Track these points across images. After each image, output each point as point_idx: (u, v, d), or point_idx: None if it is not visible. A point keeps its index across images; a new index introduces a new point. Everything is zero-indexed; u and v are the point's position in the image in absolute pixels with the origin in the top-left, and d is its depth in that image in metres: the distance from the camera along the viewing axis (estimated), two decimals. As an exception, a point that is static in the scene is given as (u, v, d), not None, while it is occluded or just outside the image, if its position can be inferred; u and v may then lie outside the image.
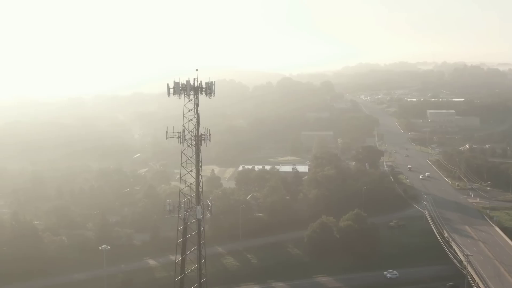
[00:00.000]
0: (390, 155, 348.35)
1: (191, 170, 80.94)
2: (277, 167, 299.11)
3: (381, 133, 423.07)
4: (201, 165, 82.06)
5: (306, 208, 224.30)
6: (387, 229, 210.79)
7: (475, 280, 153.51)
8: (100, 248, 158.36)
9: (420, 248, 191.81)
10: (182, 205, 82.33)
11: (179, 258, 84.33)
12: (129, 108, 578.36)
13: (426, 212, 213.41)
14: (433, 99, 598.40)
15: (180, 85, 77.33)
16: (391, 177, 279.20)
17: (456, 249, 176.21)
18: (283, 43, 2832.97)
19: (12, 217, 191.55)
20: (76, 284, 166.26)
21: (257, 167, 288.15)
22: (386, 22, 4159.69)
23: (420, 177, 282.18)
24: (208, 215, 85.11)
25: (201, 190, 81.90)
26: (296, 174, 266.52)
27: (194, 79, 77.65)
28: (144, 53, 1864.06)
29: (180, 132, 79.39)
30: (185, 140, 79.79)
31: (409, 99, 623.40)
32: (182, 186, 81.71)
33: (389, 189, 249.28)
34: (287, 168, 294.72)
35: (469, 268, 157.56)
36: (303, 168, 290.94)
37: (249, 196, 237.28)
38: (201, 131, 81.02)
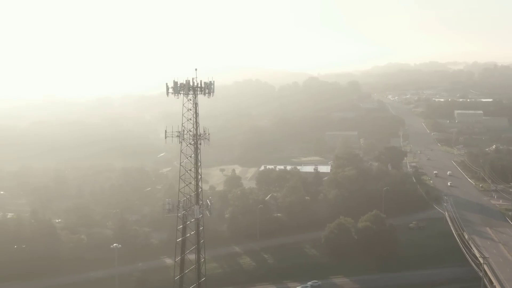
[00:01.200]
0: (415, 156, 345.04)
1: (189, 170, 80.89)
2: (299, 167, 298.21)
3: (406, 134, 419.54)
4: (200, 165, 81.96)
5: (326, 208, 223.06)
6: (407, 231, 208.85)
7: (492, 283, 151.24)
8: (112, 246, 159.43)
9: (439, 250, 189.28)
10: (181, 205, 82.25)
11: (178, 257, 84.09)
12: (156, 108, 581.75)
13: (446, 214, 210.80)
14: (461, 100, 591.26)
15: (179, 85, 77.43)
16: (413, 178, 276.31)
17: (475, 250, 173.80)
18: (313, 43, 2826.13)
19: (31, 215, 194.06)
20: (91, 282, 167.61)
21: (278, 167, 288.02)
22: (419, 20, 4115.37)
23: (448, 184, 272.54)
24: (208, 215, 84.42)
25: (200, 189, 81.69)
26: (317, 175, 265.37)
27: (193, 78, 77.82)
28: (173, 53, 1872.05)
29: (179, 132, 79.46)
30: (183, 139, 79.72)
31: (436, 99, 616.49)
32: (182, 185, 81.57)
33: (410, 190, 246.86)
34: (309, 169, 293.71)
35: (486, 270, 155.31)
36: (325, 169, 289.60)
37: (269, 196, 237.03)
38: (202, 131, 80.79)
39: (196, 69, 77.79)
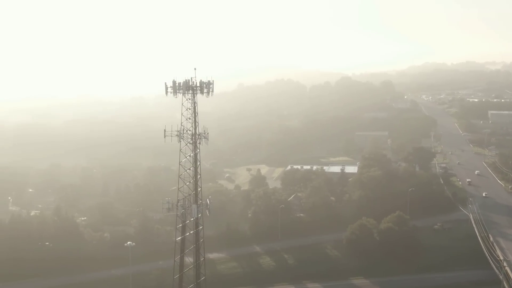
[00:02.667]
0: (445, 157, 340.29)
1: (189, 168, 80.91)
2: (326, 167, 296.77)
3: (438, 134, 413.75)
4: (199, 164, 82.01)
5: (349, 209, 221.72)
6: (431, 232, 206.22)
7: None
8: (125, 244, 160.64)
9: (463, 252, 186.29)
10: (179, 204, 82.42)
11: (178, 256, 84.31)
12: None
13: (471, 216, 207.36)
14: (495, 100, 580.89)
15: (177, 84, 77.65)
16: (441, 179, 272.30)
17: (498, 253, 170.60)
18: (350, 43, 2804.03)
19: (54, 213, 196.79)
20: (111, 280, 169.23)
21: (305, 167, 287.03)
22: (458, 19, 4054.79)
23: (483, 194, 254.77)
24: (207, 214, 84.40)
25: (199, 189, 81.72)
26: (342, 175, 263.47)
27: (191, 78, 77.95)
28: (210, 53, 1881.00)
29: (179, 131, 79.67)
30: (182, 138, 79.86)
31: (471, 100, 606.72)
32: (181, 184, 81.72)
33: (437, 192, 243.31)
34: (336, 169, 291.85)
35: (508, 272, 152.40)
36: (352, 169, 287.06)
37: (292, 196, 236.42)
38: (201, 130, 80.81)
39: (195, 69, 78.05)
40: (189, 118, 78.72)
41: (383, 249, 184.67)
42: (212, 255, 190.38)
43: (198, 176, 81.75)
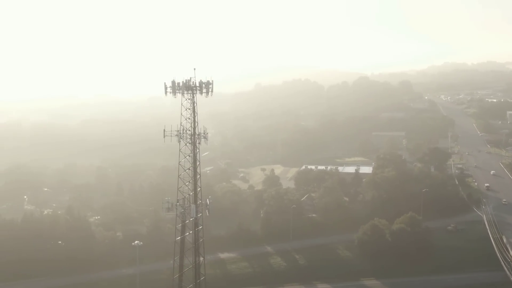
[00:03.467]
0: (462, 157, 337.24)
1: (188, 168, 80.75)
2: (340, 168, 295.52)
3: (455, 135, 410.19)
4: (199, 164, 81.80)
5: (362, 210, 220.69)
6: (444, 233, 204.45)
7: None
8: (133, 244, 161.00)
9: (476, 253, 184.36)
10: (179, 203, 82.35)
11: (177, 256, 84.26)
12: (205, 108, 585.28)
13: (484, 217, 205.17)
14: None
15: (176, 84, 77.62)
16: (456, 180, 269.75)
17: (511, 254, 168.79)
18: (371, 43, 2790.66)
19: (66, 212, 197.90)
20: (121, 279, 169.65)
21: (319, 167, 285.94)
22: (481, 19, 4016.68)
23: (503, 201, 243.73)
24: (207, 214, 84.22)
25: (199, 189, 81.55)
26: (356, 175, 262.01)
27: (191, 78, 77.85)
28: (227, 54, 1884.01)
29: (178, 131, 79.64)
30: (182, 138, 79.77)
31: (490, 100, 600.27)
32: (180, 184, 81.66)
33: (452, 192, 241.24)
34: (350, 169, 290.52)
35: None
36: (367, 170, 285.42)
37: (305, 196, 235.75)
38: (202, 130, 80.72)
39: (194, 69, 77.83)
40: (189, 118, 78.45)
41: (395, 250, 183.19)
42: (223, 255, 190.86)
43: (198, 176, 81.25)
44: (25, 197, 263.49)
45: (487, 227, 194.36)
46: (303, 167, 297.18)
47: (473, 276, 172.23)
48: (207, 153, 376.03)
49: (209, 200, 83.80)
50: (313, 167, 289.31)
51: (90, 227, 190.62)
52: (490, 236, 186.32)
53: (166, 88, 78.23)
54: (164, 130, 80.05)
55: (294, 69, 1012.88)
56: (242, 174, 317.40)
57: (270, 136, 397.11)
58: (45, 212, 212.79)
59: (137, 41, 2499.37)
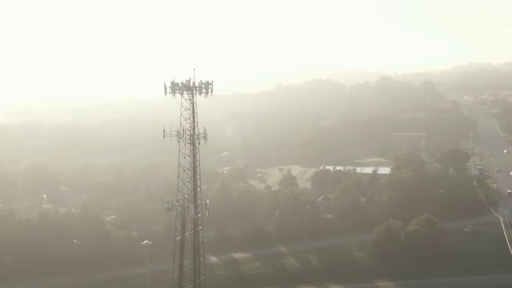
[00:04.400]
0: (482, 158, 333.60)
1: (188, 169, 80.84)
2: (359, 168, 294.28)
3: (477, 135, 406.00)
4: (198, 164, 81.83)
5: (379, 211, 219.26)
6: (461, 235, 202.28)
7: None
8: (142, 243, 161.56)
9: (491, 256, 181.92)
10: (178, 203, 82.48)
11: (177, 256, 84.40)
12: (227, 108, 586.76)
13: (501, 219, 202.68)
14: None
15: (173, 84, 77.83)
16: (475, 182, 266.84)
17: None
18: (396, 42, 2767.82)
19: (81, 211, 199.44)
20: (133, 278, 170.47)
21: (337, 168, 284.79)
22: (508, 19, 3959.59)
23: None
24: (207, 214, 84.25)
25: (199, 189, 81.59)
26: (373, 176, 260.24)
27: (190, 78, 77.99)
28: (251, 55, 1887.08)
29: (178, 131, 79.87)
30: (181, 139, 79.95)
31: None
32: (180, 184, 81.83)
33: (469, 194, 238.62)
34: (369, 170, 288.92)
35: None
36: (385, 170, 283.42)
37: (321, 197, 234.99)
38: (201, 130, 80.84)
39: (194, 69, 77.91)
40: (188, 118, 78.60)
41: (409, 252, 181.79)
42: (236, 255, 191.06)
43: (198, 177, 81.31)
44: (44, 196, 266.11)
45: (504, 229, 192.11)
46: (321, 167, 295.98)
47: (488, 279, 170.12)
48: (226, 153, 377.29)
49: (209, 200, 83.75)
50: (331, 167, 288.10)
51: (104, 226, 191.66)
52: (507, 238, 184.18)
53: (165, 88, 78.38)
54: (164, 130, 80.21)
55: (317, 70, 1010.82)
56: (259, 174, 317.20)
57: (289, 136, 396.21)
58: (62, 211, 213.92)
59: (159, 42, 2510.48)
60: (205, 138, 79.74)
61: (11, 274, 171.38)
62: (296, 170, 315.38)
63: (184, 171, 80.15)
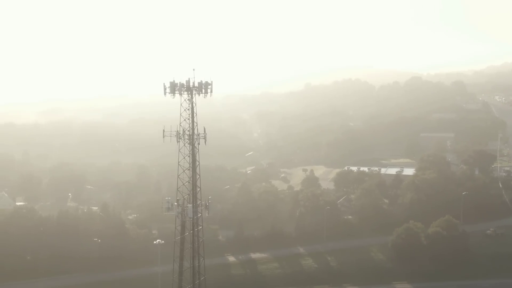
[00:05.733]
0: (510, 160, 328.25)
1: (187, 168, 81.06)
2: (384, 169, 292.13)
3: (506, 136, 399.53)
4: (198, 164, 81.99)
5: (400, 212, 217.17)
6: (483, 237, 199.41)
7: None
8: (155, 242, 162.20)
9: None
10: (177, 203, 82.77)
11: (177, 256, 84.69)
12: (255, 108, 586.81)
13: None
14: None
15: (172, 85, 78.15)
16: (500, 183, 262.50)
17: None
18: (431, 42, 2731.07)
19: (101, 209, 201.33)
20: (149, 277, 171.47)
21: (362, 169, 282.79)
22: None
23: None
24: (206, 214, 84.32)
25: (198, 189, 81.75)
26: (397, 177, 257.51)
27: (189, 78, 78.22)
28: (281, 55, 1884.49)
29: (177, 131, 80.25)
30: (180, 139, 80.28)
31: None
32: (179, 184, 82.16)
33: (494, 196, 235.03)
34: (393, 171, 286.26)
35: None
36: (410, 171, 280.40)
37: (343, 197, 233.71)
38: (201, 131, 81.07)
39: (194, 69, 78.11)
40: (188, 119, 78.87)
41: (429, 254, 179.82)
42: (254, 255, 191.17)
43: (198, 177, 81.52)
44: (69, 194, 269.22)
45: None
46: (345, 168, 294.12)
47: (510, 282, 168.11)
48: (251, 153, 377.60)
49: (209, 201, 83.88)
50: (355, 168, 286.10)
51: (124, 224, 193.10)
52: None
53: (165, 88, 78.72)
54: (164, 131, 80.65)
55: (348, 70, 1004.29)
56: (283, 175, 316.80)
57: (316, 136, 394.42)
58: (83, 209, 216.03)
59: (183, 42, 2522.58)
60: (204, 138, 79.76)
61: (31, 271, 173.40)
62: (320, 171, 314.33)
63: (184, 171, 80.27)
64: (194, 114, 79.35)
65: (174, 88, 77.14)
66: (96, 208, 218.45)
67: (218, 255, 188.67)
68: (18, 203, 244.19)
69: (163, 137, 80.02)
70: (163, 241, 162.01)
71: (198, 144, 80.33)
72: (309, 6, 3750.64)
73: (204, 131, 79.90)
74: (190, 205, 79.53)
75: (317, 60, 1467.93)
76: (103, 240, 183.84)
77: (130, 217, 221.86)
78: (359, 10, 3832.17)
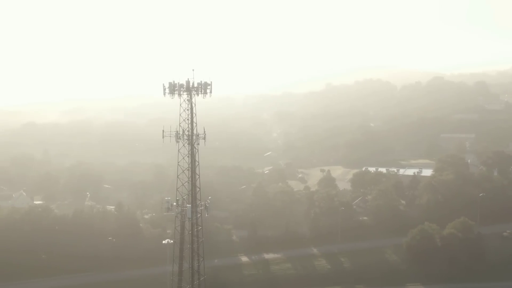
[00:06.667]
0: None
1: (186, 169, 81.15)
2: (402, 170, 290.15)
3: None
4: (198, 164, 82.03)
5: (417, 213, 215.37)
6: (499, 239, 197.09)
7: None
8: (164, 242, 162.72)
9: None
10: (175, 203, 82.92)
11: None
12: (276, 108, 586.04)
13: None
14: None
15: (171, 85, 78.33)
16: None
17: None
18: (459, 42, 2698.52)
19: (116, 209, 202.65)
20: (161, 277, 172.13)
21: (380, 169, 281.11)
22: None
23: None
24: (206, 215, 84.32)
25: (198, 189, 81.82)
26: (414, 178, 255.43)
27: (188, 79, 78.30)
28: (302, 55, 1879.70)
29: (176, 131, 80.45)
30: (180, 139, 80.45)
31: None
32: (179, 184, 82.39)
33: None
34: (411, 172, 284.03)
35: None
36: (429, 172, 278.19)
37: (359, 198, 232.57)
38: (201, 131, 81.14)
39: (193, 70, 78.09)
40: (187, 119, 78.99)
41: (444, 256, 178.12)
42: (268, 255, 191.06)
43: (197, 177, 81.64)
44: (87, 193, 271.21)
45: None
46: (363, 168, 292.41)
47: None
48: (269, 153, 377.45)
49: (208, 201, 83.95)
50: (373, 169, 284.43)
51: (138, 224, 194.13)
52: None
53: (164, 89, 78.93)
54: (163, 131, 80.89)
55: (371, 69, 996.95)
56: (300, 175, 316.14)
57: (335, 137, 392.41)
58: (98, 208, 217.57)
59: (208, 40, 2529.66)
60: (204, 138, 79.87)
61: (46, 269, 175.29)
62: (338, 171, 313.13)
63: (183, 171, 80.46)
64: (194, 115, 79.16)
65: (173, 88, 77.16)
66: (112, 207, 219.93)
67: (231, 255, 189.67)
68: (36, 202, 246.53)
69: (163, 137, 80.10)
70: (172, 241, 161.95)
71: (198, 144, 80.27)
72: (333, 5, 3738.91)
73: (204, 131, 79.85)
74: (189, 206, 79.55)
75: (340, 60, 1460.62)
76: (117, 239, 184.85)
77: (146, 216, 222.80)
78: (386, 9, 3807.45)
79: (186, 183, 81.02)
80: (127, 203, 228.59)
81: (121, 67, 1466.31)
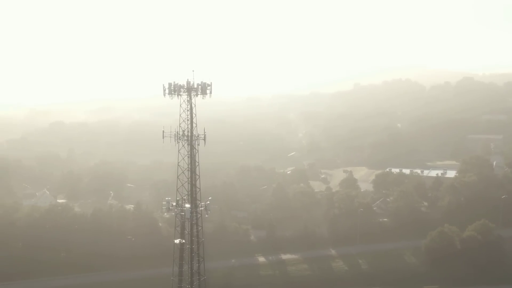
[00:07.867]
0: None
1: (186, 169, 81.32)
2: (426, 171, 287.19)
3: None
4: (198, 165, 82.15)
5: (438, 215, 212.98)
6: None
7: None
8: (176, 242, 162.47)
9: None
10: (175, 203, 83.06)
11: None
12: (303, 108, 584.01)
13: None
14: None
15: (172, 86, 78.51)
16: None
17: None
18: (493, 41, 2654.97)
19: (134, 208, 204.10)
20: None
21: (404, 171, 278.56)
22: None
23: None
24: (206, 215, 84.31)
25: (198, 189, 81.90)
26: (437, 180, 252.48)
27: (188, 79, 78.41)
28: (336, 53, 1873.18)
29: (176, 132, 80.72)
30: (179, 139, 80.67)
31: None
32: (178, 184, 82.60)
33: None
34: (435, 173, 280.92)
35: None
36: (453, 174, 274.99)
37: (380, 200, 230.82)
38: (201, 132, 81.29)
39: (193, 71, 78.18)
40: (187, 119, 79.16)
41: (463, 259, 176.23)
42: (285, 256, 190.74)
43: (197, 177, 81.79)
44: (111, 192, 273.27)
45: None
46: (387, 169, 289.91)
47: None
48: (293, 153, 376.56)
49: (208, 201, 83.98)
50: (397, 170, 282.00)
51: (157, 223, 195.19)
52: None
53: (164, 89, 79.17)
54: (163, 131, 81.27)
55: (399, 69, 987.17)
56: (323, 176, 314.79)
57: (361, 137, 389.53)
58: (118, 207, 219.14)
59: (237, 41, 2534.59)
60: (204, 139, 80.00)
61: (65, 267, 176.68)
62: (362, 172, 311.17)
63: (183, 171, 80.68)
64: (194, 115, 79.38)
65: (173, 89, 77.36)
66: (132, 206, 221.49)
67: (248, 255, 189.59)
68: (59, 201, 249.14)
69: (163, 137, 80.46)
70: (183, 241, 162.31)
71: (198, 145, 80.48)
72: (363, 5, 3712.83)
73: (204, 132, 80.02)
74: (188, 206, 79.77)
75: (369, 60, 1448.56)
76: (136, 238, 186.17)
77: (166, 215, 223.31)
78: (417, 9, 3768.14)
79: (185, 183, 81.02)
80: (148, 202, 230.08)
81: (150, 66, 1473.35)
